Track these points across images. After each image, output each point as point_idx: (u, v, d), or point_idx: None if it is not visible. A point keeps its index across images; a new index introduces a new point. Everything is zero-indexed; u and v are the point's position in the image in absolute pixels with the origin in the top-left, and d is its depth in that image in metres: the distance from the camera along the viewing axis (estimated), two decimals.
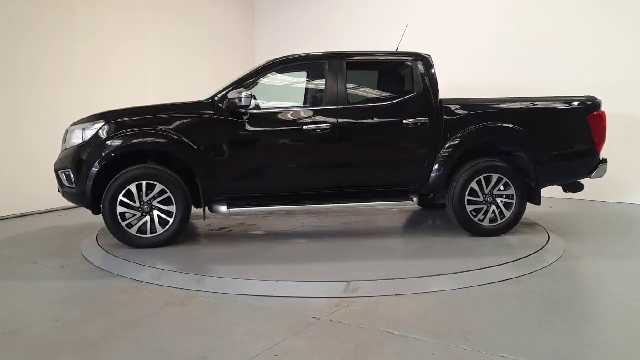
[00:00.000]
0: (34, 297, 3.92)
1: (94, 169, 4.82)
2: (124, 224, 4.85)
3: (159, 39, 8.39)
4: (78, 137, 5.00)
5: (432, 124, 5.16)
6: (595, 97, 5.43)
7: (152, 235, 4.91)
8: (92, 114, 5.16)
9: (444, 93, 5.39)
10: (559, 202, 7.28)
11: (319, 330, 3.24)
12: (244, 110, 4.95)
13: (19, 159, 6.68)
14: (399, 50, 5.54)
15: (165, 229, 4.91)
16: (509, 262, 4.43)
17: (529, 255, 4.62)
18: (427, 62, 5.34)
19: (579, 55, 7.47)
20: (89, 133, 4.93)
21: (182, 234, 5.08)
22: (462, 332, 3.19)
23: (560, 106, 5.44)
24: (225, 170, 4.97)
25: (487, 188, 5.19)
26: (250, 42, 10.21)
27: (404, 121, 5.12)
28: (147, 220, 4.89)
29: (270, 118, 5.12)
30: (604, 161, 5.41)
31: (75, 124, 5.17)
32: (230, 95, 4.90)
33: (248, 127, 4.99)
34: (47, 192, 6.90)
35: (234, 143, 4.99)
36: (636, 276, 4.34)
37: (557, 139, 5.37)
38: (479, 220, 5.21)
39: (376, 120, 5.19)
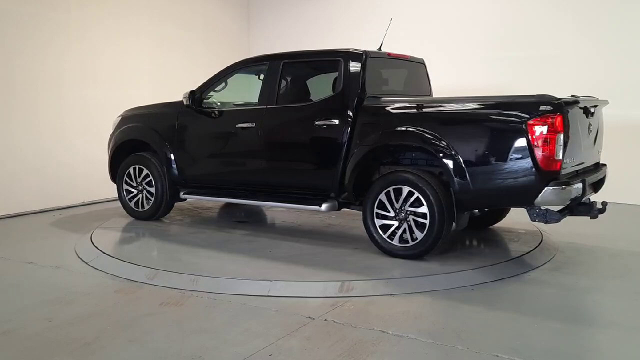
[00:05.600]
0: (28, 297, 3.91)
1: (110, 152, 6.19)
2: (126, 197, 6.07)
3: (154, 38, 8.36)
4: (112, 127, 6.28)
5: (343, 125, 4.73)
6: (553, 96, 4.00)
7: (141, 210, 6.00)
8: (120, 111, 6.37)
9: (436, 94, 5.28)
10: None
11: (314, 329, 3.26)
12: (193, 109, 5.53)
13: (13, 158, 6.64)
14: (381, 47, 5.47)
15: (149, 206, 5.92)
16: (501, 262, 4.45)
17: (522, 255, 4.65)
18: (354, 60, 4.84)
19: (574, 56, 7.50)
20: (114, 124, 6.25)
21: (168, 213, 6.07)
22: (455, 331, 3.21)
23: (483, 108, 4.29)
24: (177, 162, 5.73)
25: (397, 202, 4.47)
26: (245, 42, 10.19)
27: (315, 122, 4.86)
28: (139, 197, 5.99)
29: (210, 116, 5.55)
30: (564, 183, 4.00)
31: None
32: (183, 96, 5.52)
33: (191, 124, 5.66)
34: (41, 192, 6.89)
35: (181, 138, 5.72)
36: (630, 276, 4.37)
37: (476, 151, 4.20)
38: (388, 237, 4.54)
39: (291, 120, 5.17)
